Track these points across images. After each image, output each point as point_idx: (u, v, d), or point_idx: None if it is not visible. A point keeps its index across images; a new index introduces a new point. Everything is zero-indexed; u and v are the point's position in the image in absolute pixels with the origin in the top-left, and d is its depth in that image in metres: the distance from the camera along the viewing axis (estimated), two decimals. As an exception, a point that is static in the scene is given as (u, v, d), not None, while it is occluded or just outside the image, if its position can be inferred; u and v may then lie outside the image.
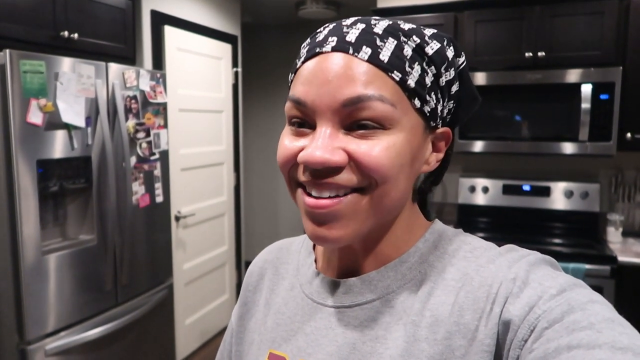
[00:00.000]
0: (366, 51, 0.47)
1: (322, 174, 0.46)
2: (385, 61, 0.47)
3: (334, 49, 0.47)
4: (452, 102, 0.53)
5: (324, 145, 0.45)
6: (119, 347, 2.28)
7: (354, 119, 0.46)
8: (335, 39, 0.48)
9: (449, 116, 0.54)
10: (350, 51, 0.47)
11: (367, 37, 0.47)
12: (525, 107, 2.45)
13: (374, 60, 0.46)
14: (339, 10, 3.86)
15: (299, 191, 0.50)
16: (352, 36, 0.48)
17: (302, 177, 0.49)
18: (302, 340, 0.55)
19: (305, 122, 0.49)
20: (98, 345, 2.15)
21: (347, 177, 0.46)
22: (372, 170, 0.46)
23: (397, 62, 0.47)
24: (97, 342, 2.14)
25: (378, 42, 0.47)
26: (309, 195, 0.48)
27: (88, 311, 2.11)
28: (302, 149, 0.48)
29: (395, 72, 0.47)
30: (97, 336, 2.11)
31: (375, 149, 0.46)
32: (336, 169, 0.46)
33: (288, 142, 0.50)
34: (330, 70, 0.46)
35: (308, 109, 0.47)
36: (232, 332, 0.68)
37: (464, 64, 0.53)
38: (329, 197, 0.47)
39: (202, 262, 3.28)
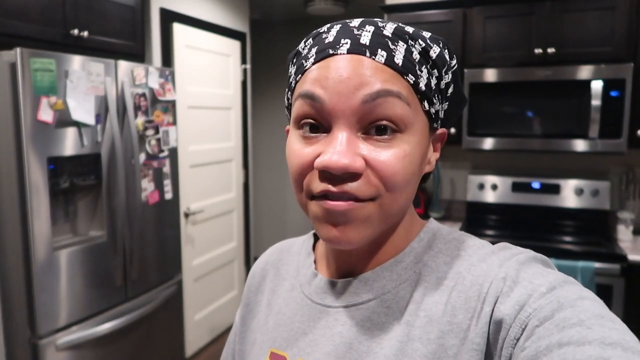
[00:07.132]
0: (382, 54, 0.47)
1: (340, 179, 0.46)
2: (400, 64, 0.47)
3: (349, 52, 0.47)
4: (447, 103, 0.54)
5: (343, 150, 0.45)
6: (128, 342, 2.30)
7: (372, 118, 0.46)
8: (348, 41, 0.48)
9: (442, 117, 0.55)
10: (367, 54, 0.47)
11: (380, 40, 0.48)
12: (534, 103, 2.43)
13: (390, 63, 0.47)
14: (347, 6, 3.85)
15: (313, 202, 0.49)
16: (365, 39, 0.47)
17: (317, 187, 0.47)
18: (302, 340, 0.56)
19: (316, 124, 0.48)
20: (108, 340, 2.18)
21: (362, 188, 0.46)
22: (387, 179, 0.46)
23: (409, 65, 0.48)
24: (107, 337, 2.17)
25: (391, 46, 0.48)
26: (327, 199, 0.47)
27: (98, 306, 2.14)
28: (317, 156, 0.47)
29: (409, 75, 0.48)
30: (108, 331, 2.14)
31: (391, 159, 0.46)
32: (354, 175, 0.46)
33: (300, 148, 0.49)
34: (348, 70, 0.46)
35: (324, 108, 0.46)
36: (236, 332, 0.69)
37: (456, 66, 0.54)
38: (347, 201, 0.47)
39: (211, 258, 3.30)
